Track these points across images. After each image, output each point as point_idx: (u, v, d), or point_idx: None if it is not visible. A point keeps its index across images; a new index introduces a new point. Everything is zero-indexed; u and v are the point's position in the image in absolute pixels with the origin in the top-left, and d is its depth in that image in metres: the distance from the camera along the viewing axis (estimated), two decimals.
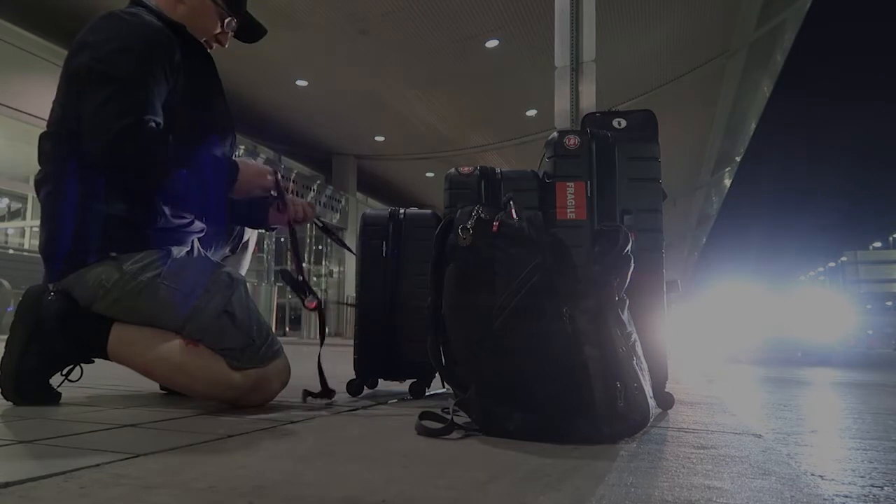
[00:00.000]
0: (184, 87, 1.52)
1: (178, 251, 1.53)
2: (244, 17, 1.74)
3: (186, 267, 1.50)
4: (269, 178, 1.61)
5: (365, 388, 1.92)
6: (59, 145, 1.48)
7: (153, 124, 1.42)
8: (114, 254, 1.45)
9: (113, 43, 1.46)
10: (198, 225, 1.63)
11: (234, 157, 1.60)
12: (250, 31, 1.77)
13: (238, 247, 1.88)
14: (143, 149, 1.41)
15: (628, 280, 1.26)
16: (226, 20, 1.69)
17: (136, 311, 1.46)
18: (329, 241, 8.54)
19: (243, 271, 1.91)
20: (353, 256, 1.97)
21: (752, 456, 1.08)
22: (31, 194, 11.62)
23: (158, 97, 1.46)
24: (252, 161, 1.63)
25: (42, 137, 1.51)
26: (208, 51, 1.69)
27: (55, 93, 1.52)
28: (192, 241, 1.63)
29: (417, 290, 1.81)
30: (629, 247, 1.25)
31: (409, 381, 1.93)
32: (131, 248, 1.46)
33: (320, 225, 1.86)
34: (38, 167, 1.51)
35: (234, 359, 1.42)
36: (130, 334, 1.47)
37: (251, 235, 1.92)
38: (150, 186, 1.48)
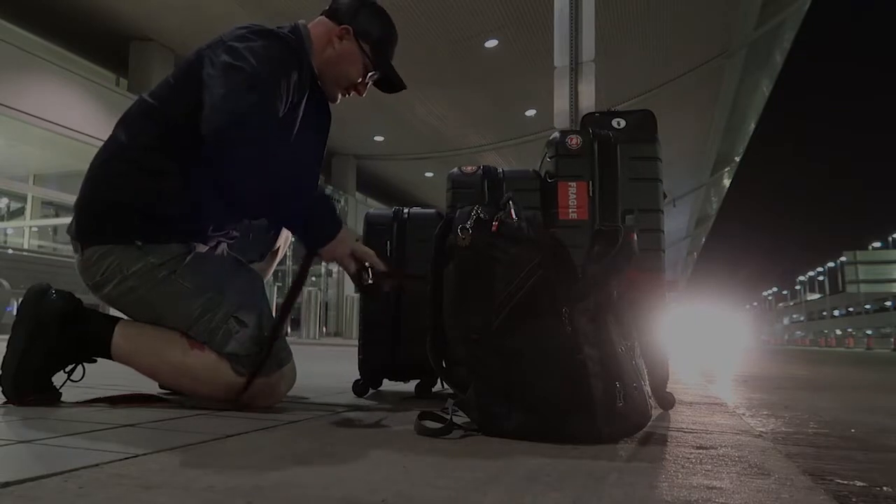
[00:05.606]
0: (291, 117, 1.51)
1: (202, 248, 1.51)
2: (386, 71, 1.72)
3: (206, 266, 1.48)
4: (349, 264, 1.48)
5: (370, 388, 1.91)
6: (141, 115, 1.49)
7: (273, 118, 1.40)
8: (139, 242, 1.43)
9: (256, 46, 1.44)
10: (232, 234, 1.61)
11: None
12: (390, 83, 1.75)
13: (266, 254, 1.86)
14: (260, 129, 1.34)
15: (628, 280, 1.26)
16: (369, 73, 1.68)
17: (146, 304, 1.46)
18: None
19: (266, 278, 1.90)
20: None
21: (752, 456, 1.08)
22: (31, 194, 11.62)
23: (280, 103, 1.44)
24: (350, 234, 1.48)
25: (138, 101, 1.53)
26: (328, 100, 1.70)
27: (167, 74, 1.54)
28: (220, 243, 1.60)
29: (421, 290, 1.80)
30: (629, 247, 1.25)
31: (413, 382, 1.92)
32: (157, 238, 1.44)
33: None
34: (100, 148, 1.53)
35: (238, 364, 1.41)
36: (134, 334, 1.46)
37: (281, 245, 1.89)
38: (247, 178, 1.36)
